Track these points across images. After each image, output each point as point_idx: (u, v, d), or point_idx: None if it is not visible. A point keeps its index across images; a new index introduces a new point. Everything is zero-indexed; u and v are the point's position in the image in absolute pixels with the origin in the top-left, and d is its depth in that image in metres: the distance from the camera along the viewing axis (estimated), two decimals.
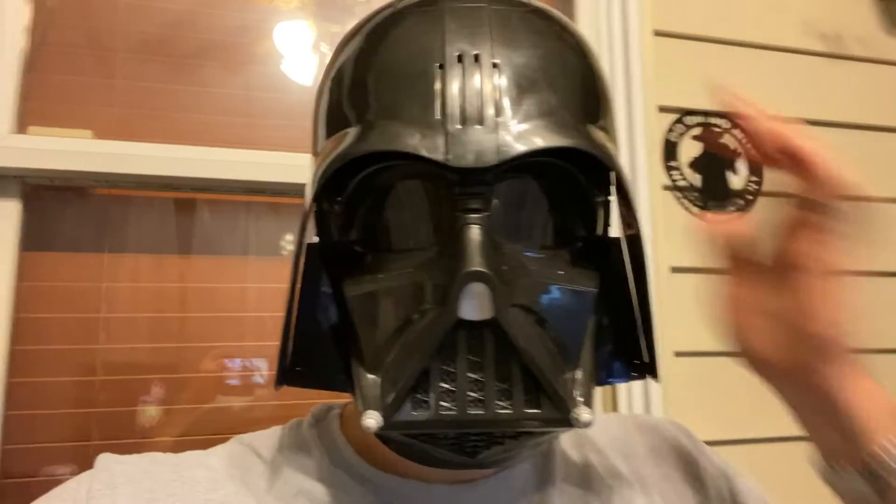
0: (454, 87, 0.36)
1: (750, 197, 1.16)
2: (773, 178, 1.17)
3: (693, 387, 0.95)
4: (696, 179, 1.16)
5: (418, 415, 0.36)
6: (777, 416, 0.98)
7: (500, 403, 0.36)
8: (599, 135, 0.40)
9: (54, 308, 0.88)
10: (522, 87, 0.37)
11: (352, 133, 0.38)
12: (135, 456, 0.44)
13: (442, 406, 0.36)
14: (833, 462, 0.40)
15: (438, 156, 0.35)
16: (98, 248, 0.91)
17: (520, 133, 0.36)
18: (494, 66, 0.37)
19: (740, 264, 0.43)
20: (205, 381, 0.92)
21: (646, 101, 0.97)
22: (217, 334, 0.93)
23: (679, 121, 1.20)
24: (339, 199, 0.42)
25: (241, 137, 0.97)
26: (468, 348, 0.36)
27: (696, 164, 1.16)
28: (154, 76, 0.96)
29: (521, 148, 0.35)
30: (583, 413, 0.36)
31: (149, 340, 0.90)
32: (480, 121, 0.36)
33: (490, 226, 0.36)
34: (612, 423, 0.54)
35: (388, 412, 0.36)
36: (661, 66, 0.99)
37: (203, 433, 0.89)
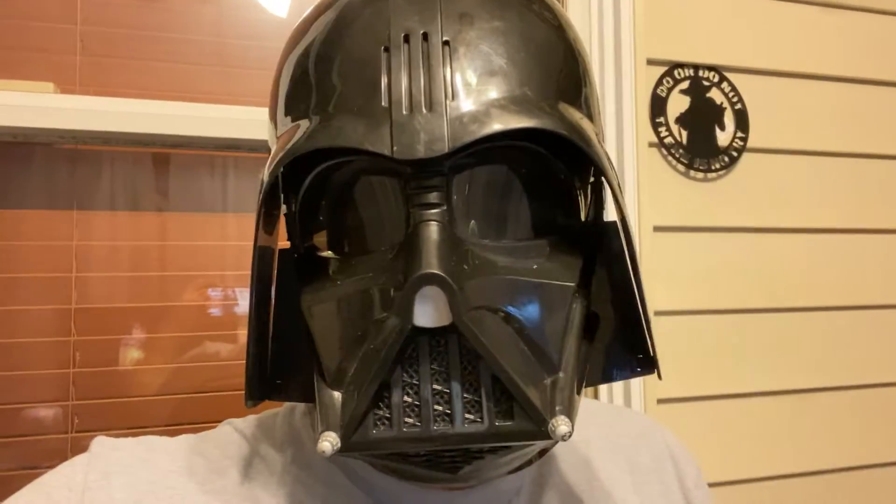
0: (401, 72, 0.33)
1: (735, 153, 1.16)
2: (760, 134, 1.16)
3: (673, 346, 0.96)
4: (682, 135, 1.15)
5: (379, 433, 0.33)
6: (753, 373, 0.99)
7: (469, 416, 0.33)
8: (573, 114, 0.36)
9: (24, 268, 0.86)
10: (478, 66, 0.34)
11: (302, 127, 0.35)
12: (131, 441, 0.43)
13: (405, 422, 0.33)
14: None
15: (384, 148, 0.32)
16: (67, 205, 0.88)
17: (475, 116, 0.33)
18: (445, 44, 0.34)
19: None
20: (182, 339, 0.90)
21: (635, 54, 0.94)
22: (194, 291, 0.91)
23: (668, 74, 1.18)
24: (298, 197, 0.39)
25: (216, 88, 0.93)
26: (431, 357, 0.34)
27: (683, 120, 1.15)
28: (120, 21, 0.91)
29: (476, 133, 0.32)
30: (560, 425, 0.33)
31: (122, 299, 0.89)
32: (430, 106, 0.33)
33: (449, 220, 0.34)
34: (607, 418, 0.53)
35: (346, 432, 0.33)
36: (651, 16, 0.96)
37: (178, 391, 0.89)
